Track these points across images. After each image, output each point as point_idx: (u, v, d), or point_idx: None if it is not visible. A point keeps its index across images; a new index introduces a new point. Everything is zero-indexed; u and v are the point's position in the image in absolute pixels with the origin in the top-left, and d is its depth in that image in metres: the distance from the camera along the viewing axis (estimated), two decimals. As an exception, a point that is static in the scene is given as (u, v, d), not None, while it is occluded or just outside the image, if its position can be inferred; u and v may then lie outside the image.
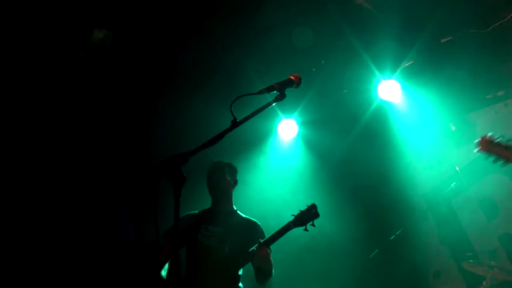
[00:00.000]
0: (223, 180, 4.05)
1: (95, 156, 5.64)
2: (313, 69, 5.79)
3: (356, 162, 6.24)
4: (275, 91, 2.42)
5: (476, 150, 3.41)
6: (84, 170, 5.52)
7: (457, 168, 5.77)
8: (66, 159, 5.20)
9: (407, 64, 5.60)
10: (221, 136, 2.18)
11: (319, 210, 3.78)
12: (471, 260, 5.04)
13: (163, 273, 3.93)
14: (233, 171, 4.19)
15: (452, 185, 5.69)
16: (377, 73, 5.62)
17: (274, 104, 2.42)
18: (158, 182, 2.02)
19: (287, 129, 6.34)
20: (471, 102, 5.66)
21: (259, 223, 4.09)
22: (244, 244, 3.78)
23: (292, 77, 2.49)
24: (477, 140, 3.40)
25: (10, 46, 4.67)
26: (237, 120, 2.23)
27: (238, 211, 4.13)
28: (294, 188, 6.42)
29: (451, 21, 5.12)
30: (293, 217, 3.78)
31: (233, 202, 4.16)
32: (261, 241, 3.72)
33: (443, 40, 5.39)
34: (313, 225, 3.74)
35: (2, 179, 4.98)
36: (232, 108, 2.24)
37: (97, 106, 5.57)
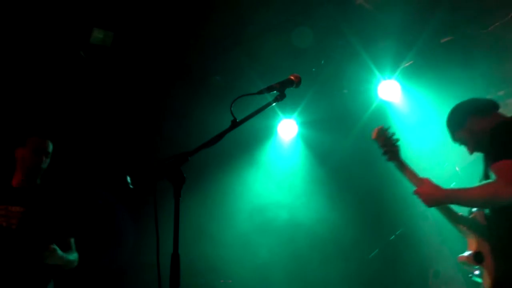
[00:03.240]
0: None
1: (97, 156, 5.65)
2: (313, 69, 5.78)
3: (356, 162, 6.23)
4: (275, 91, 2.41)
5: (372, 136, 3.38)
6: (86, 171, 5.53)
7: (457, 168, 5.75)
8: (70, 160, 5.21)
9: (407, 64, 5.60)
10: (221, 136, 2.17)
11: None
12: (471, 260, 5.03)
13: None
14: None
15: (452, 185, 5.68)
16: (377, 73, 5.62)
17: (274, 104, 2.41)
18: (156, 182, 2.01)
19: (287, 129, 6.34)
20: (471, 102, 5.63)
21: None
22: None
23: (292, 77, 2.48)
24: (376, 127, 3.35)
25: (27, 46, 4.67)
26: (237, 120, 2.23)
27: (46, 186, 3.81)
28: (293, 188, 6.42)
29: (451, 21, 5.12)
30: None
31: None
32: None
33: (443, 40, 5.38)
34: None
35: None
36: (232, 108, 2.24)
37: (99, 108, 5.58)
